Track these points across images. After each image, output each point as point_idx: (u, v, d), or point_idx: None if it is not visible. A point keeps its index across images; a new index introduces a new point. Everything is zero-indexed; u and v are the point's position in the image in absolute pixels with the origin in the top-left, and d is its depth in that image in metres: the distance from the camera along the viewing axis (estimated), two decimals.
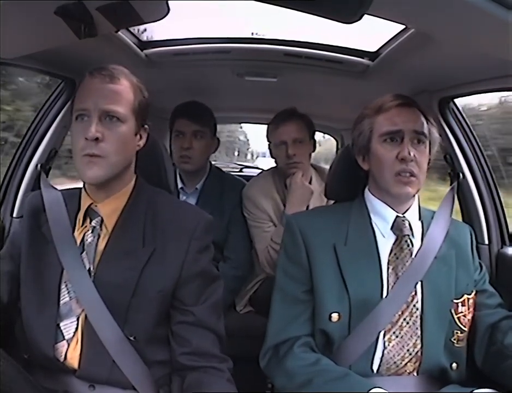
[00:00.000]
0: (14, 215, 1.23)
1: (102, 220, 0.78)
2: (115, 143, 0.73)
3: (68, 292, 0.75)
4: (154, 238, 0.77)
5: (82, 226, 0.80)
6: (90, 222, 0.78)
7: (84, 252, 0.77)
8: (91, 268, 0.76)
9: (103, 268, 0.76)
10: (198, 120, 1.44)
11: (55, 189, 0.87)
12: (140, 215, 0.79)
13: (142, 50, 1.22)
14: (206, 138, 1.48)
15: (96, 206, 0.78)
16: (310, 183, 1.45)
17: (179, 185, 1.54)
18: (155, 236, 0.77)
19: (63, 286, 0.75)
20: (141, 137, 0.82)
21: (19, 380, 0.37)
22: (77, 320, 0.74)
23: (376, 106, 0.86)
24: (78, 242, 0.78)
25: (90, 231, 0.78)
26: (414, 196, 0.86)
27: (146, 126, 0.83)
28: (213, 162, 1.66)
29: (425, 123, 0.84)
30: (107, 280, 0.74)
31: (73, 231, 0.79)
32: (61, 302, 0.75)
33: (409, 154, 0.79)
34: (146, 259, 0.75)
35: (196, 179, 1.53)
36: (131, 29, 1.13)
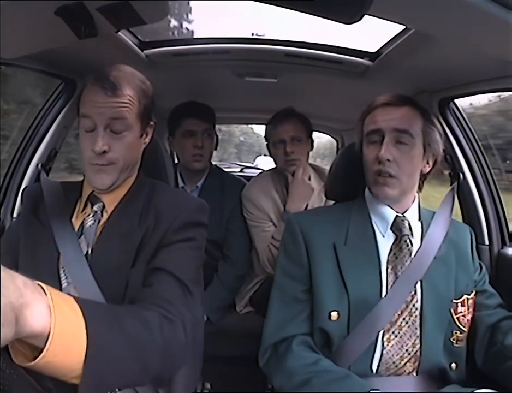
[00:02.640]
0: (14, 215, 1.24)
1: (103, 206, 0.79)
2: (123, 152, 0.75)
3: (66, 278, 0.75)
4: (149, 218, 0.77)
5: (82, 212, 0.81)
6: (92, 208, 0.79)
7: (83, 236, 0.77)
8: (89, 252, 0.76)
9: (99, 249, 0.76)
10: (207, 119, 1.47)
11: (55, 181, 0.88)
12: (139, 201, 0.80)
13: (142, 50, 1.22)
14: (212, 136, 1.52)
15: (99, 192, 0.79)
16: (309, 180, 1.45)
17: (180, 184, 1.55)
18: (149, 216, 0.77)
19: (61, 271, 0.76)
20: (147, 135, 0.83)
21: (19, 380, 0.37)
22: None
23: (366, 108, 0.87)
24: (77, 227, 0.79)
25: (91, 216, 0.79)
26: (402, 197, 0.85)
27: (151, 123, 0.84)
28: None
29: (417, 121, 0.83)
30: (103, 261, 0.74)
31: (71, 217, 0.80)
32: (61, 286, 0.75)
33: (387, 154, 0.79)
34: (140, 238, 0.75)
35: (197, 177, 1.55)
36: (131, 29, 1.13)
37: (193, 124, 1.46)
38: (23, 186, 1.25)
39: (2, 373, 0.36)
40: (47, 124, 1.26)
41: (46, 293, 0.45)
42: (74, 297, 0.50)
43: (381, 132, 0.82)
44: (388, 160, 0.80)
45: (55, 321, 0.44)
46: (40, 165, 1.25)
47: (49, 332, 0.43)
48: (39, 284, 0.45)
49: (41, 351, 0.43)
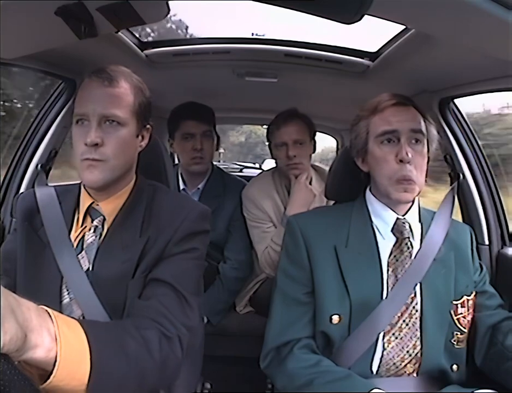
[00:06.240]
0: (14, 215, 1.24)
1: (104, 219, 0.77)
2: (115, 147, 0.72)
3: (68, 293, 0.74)
4: (150, 227, 0.76)
5: (81, 226, 0.78)
6: (92, 222, 0.77)
7: (83, 252, 0.76)
8: (90, 268, 0.75)
9: (101, 263, 0.75)
10: (205, 121, 1.46)
11: (49, 186, 0.86)
12: (140, 211, 0.78)
13: (142, 50, 1.22)
14: (212, 137, 1.51)
15: (98, 204, 0.77)
16: (310, 183, 1.45)
17: (181, 186, 1.55)
18: (151, 225, 0.76)
19: (63, 287, 0.75)
20: (143, 138, 0.81)
21: (20, 382, 0.37)
22: None
23: (371, 107, 0.85)
24: (77, 242, 0.77)
25: (92, 231, 0.77)
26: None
27: (149, 126, 0.82)
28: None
29: (422, 121, 0.83)
30: (105, 274, 0.73)
31: (70, 231, 0.78)
32: (63, 302, 0.74)
33: (407, 154, 0.78)
34: (141, 249, 0.73)
35: (198, 179, 1.54)
36: (131, 29, 1.13)
37: (192, 126, 1.45)
38: (23, 187, 1.25)
39: (3, 374, 0.36)
40: (47, 124, 1.26)
41: (52, 320, 0.47)
42: (77, 319, 0.53)
43: (397, 133, 0.81)
44: (408, 162, 0.79)
45: (61, 349, 0.46)
46: (39, 166, 1.25)
47: (56, 360, 0.45)
48: (45, 310, 0.47)
49: (47, 376, 0.45)
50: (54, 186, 0.87)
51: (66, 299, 0.74)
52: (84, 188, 0.80)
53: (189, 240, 0.75)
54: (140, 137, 0.80)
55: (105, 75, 0.73)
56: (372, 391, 0.69)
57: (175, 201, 0.81)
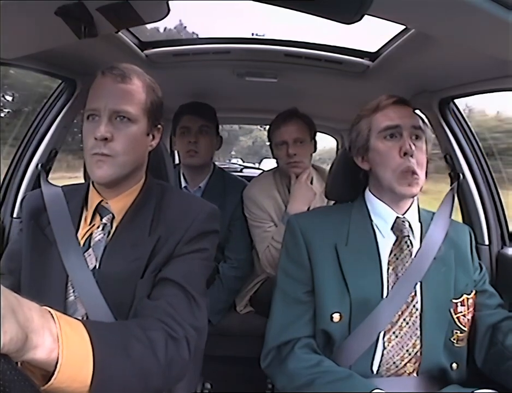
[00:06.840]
0: (14, 215, 1.24)
1: (113, 217, 0.77)
2: (125, 143, 0.72)
3: (73, 291, 0.74)
4: (160, 227, 0.75)
5: (89, 224, 0.78)
6: (101, 220, 0.77)
7: (90, 250, 0.75)
8: (97, 266, 0.74)
9: (108, 262, 0.74)
10: (203, 115, 1.48)
11: (56, 186, 0.86)
12: (149, 209, 0.78)
13: (142, 50, 1.22)
14: (211, 134, 1.52)
15: (107, 202, 0.77)
16: (311, 183, 1.45)
17: (183, 184, 1.56)
18: (160, 224, 0.76)
19: (69, 285, 0.74)
20: (153, 137, 0.81)
21: (19, 382, 0.36)
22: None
23: (372, 106, 0.88)
24: (84, 240, 0.76)
25: (100, 229, 0.77)
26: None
27: (160, 126, 0.83)
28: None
29: (420, 120, 0.86)
30: (112, 272, 0.72)
31: (77, 229, 0.78)
32: (68, 300, 0.74)
33: (410, 147, 0.80)
34: (151, 248, 0.73)
35: (199, 177, 1.55)
36: (131, 29, 1.13)
37: (189, 120, 1.48)
38: (23, 186, 1.25)
39: (3, 374, 0.36)
40: (47, 124, 1.26)
41: (54, 321, 0.46)
42: (81, 320, 0.52)
43: (399, 129, 0.83)
44: (411, 155, 0.81)
45: (63, 350, 0.45)
46: (40, 165, 1.25)
47: (57, 362, 0.45)
48: (48, 310, 0.47)
49: (49, 376, 0.45)
50: (61, 186, 0.87)
51: (71, 298, 0.74)
52: (93, 185, 0.80)
53: (200, 240, 0.75)
54: (150, 136, 0.80)
55: (118, 72, 0.73)
56: (373, 392, 0.69)
57: (184, 201, 0.81)
